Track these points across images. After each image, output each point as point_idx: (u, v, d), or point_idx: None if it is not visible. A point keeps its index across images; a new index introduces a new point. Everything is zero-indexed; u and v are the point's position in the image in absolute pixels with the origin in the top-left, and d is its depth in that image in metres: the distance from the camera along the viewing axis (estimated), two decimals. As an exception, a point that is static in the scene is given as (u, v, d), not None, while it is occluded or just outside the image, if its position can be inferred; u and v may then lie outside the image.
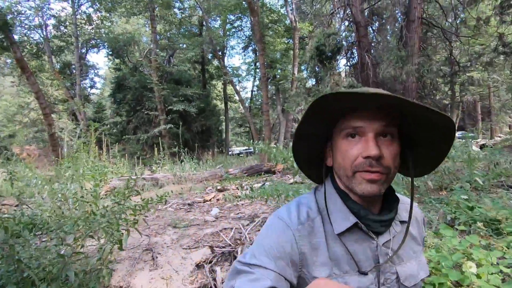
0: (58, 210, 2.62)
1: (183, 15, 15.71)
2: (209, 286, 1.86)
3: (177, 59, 15.05)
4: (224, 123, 21.75)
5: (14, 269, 1.51)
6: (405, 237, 0.65)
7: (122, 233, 1.89)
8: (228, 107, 23.14)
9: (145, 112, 12.33)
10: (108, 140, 15.29)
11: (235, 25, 19.91)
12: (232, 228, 2.77)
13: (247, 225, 2.86)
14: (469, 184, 3.21)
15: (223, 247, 2.29)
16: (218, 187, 5.01)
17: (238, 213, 3.42)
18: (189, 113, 12.84)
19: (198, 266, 2.09)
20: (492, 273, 1.35)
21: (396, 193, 0.68)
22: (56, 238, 1.82)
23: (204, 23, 15.52)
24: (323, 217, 0.64)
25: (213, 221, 3.22)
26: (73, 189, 3.12)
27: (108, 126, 14.88)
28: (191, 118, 13.88)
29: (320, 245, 0.62)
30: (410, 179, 0.70)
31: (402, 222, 0.69)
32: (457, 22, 9.48)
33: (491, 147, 4.55)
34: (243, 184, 5.09)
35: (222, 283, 1.91)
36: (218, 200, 4.09)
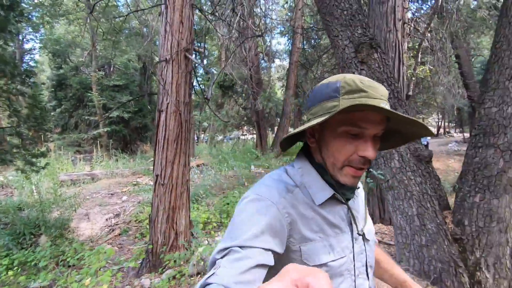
0: (33, 197, 5.64)
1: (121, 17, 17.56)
2: (109, 225, 5.19)
3: (118, 62, 16.97)
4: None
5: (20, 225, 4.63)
6: (366, 201, 0.81)
7: (74, 209, 5.09)
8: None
9: (86, 117, 14.52)
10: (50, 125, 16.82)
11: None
12: (128, 206, 6.07)
13: (136, 204, 6.21)
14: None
15: (119, 212, 5.63)
16: (133, 183, 8.20)
17: (135, 199, 6.71)
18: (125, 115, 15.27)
19: (107, 219, 5.38)
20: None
21: None
22: (38, 212, 4.93)
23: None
24: (301, 190, 0.68)
25: (122, 202, 6.46)
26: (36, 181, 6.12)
27: (51, 113, 16.28)
28: (128, 117, 16.19)
29: (305, 212, 0.66)
30: None
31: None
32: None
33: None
34: (145, 182, 8.35)
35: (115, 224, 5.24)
36: (129, 191, 7.32)
